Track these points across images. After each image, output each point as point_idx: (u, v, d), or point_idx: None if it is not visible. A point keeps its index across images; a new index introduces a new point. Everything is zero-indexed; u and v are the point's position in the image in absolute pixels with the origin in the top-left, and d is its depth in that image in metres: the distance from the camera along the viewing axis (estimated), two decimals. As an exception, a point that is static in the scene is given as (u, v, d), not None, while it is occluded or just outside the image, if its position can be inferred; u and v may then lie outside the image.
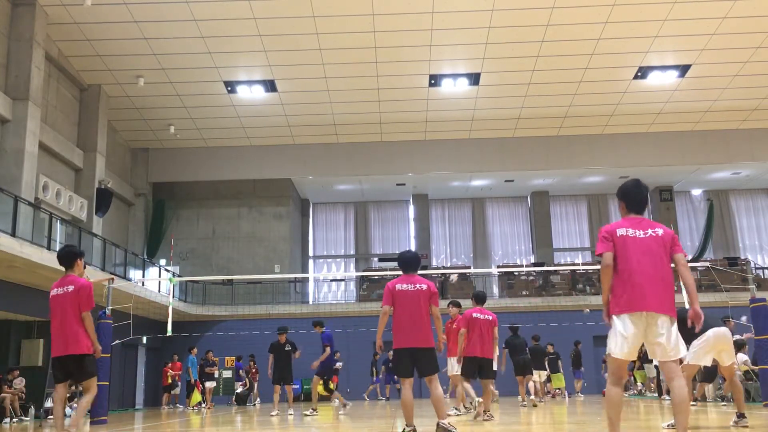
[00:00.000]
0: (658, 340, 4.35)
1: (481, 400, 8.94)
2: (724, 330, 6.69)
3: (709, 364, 6.77)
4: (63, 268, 6.70)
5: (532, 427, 7.78)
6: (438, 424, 6.24)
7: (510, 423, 8.39)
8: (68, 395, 13.92)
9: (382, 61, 19.38)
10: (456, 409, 10.42)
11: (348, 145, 24.63)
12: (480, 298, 9.58)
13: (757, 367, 11.51)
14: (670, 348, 4.37)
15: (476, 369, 9.23)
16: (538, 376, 15.94)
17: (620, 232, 4.56)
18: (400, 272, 6.69)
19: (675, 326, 4.40)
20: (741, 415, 6.65)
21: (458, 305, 11.10)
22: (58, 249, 6.75)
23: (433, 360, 6.43)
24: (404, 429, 6.24)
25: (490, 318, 9.31)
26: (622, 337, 4.38)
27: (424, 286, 6.46)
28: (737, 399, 6.86)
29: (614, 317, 4.44)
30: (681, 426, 4.30)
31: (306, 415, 11.82)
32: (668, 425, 6.51)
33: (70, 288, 6.32)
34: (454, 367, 10.61)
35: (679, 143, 24.54)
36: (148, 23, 17.39)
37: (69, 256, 6.52)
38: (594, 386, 21.89)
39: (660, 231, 4.58)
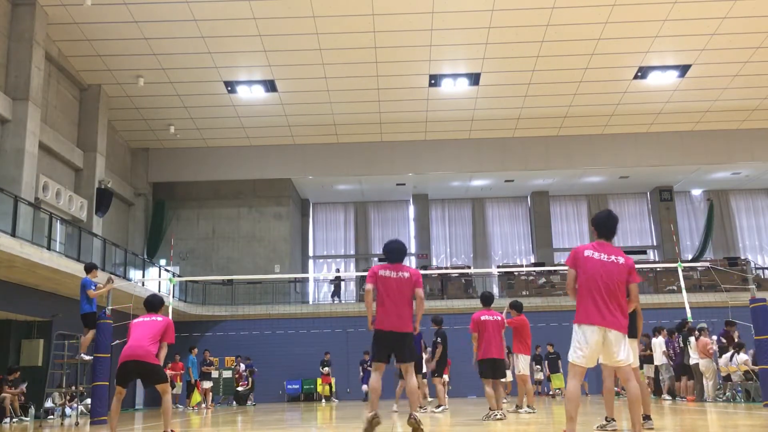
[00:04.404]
0: (611, 350, 5.09)
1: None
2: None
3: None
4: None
5: (532, 427, 7.79)
6: (410, 416, 6.19)
7: (510, 423, 8.40)
8: (69, 396, 13.94)
9: (382, 61, 19.38)
10: (529, 407, 10.49)
11: (348, 145, 24.63)
12: (487, 300, 9.64)
13: (757, 367, 11.52)
14: (622, 358, 5.11)
15: (492, 370, 9.38)
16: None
17: (587, 253, 5.29)
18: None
19: (626, 340, 5.15)
20: (647, 417, 6.78)
21: (517, 306, 10.71)
22: (146, 295, 7.78)
23: (410, 347, 6.40)
24: (368, 415, 6.15)
25: (498, 319, 9.48)
26: (581, 345, 5.11)
27: (407, 274, 6.47)
28: (644, 400, 6.95)
29: (575, 326, 5.19)
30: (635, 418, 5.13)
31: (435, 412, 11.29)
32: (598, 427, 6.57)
33: (159, 318, 7.14)
34: (520, 366, 10.69)
35: (679, 143, 24.54)
36: (148, 23, 17.39)
37: (159, 304, 7.40)
38: (595, 386, 21.88)
39: (621, 260, 5.28)
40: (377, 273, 6.46)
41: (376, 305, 6.44)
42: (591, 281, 5.16)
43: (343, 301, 25.20)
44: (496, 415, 8.99)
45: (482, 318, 9.36)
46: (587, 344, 5.07)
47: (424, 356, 13.10)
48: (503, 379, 15.23)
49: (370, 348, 6.62)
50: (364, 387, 20.28)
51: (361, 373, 20.83)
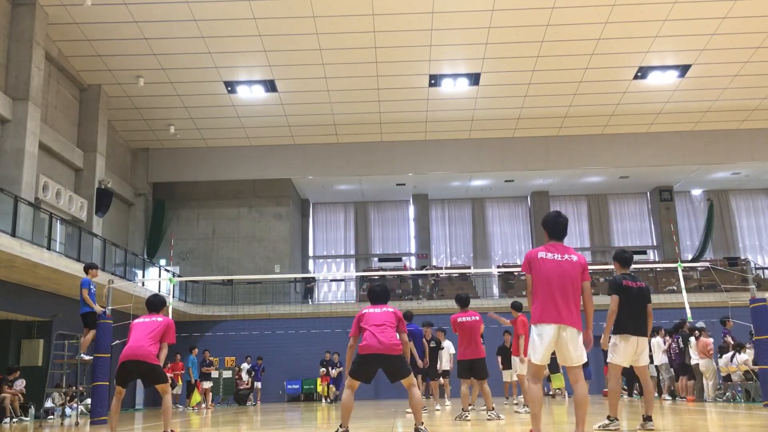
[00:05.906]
0: (567, 347, 5.17)
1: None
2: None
3: (627, 365, 6.93)
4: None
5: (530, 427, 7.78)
6: (416, 429, 6.23)
7: (510, 423, 8.41)
8: (69, 396, 13.94)
9: (382, 61, 19.39)
10: (526, 406, 10.42)
11: (348, 145, 24.63)
12: (462, 302, 9.62)
13: (757, 367, 11.52)
14: (576, 356, 5.19)
15: (469, 370, 9.37)
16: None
17: (541, 255, 5.35)
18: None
19: (581, 338, 5.23)
20: (648, 418, 6.64)
21: (517, 306, 10.94)
22: (150, 297, 7.66)
23: (403, 365, 6.38)
24: (338, 429, 6.21)
25: (477, 318, 9.44)
26: (539, 344, 5.17)
27: (391, 310, 6.56)
28: (648, 400, 6.83)
29: (533, 326, 5.24)
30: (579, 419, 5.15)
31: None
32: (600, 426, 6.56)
33: (159, 319, 7.17)
34: (518, 366, 10.74)
35: (679, 143, 24.55)
36: (148, 23, 17.39)
37: (160, 305, 7.45)
38: (594, 387, 21.88)
39: (575, 257, 5.36)
40: (361, 314, 6.53)
41: (362, 335, 6.43)
42: (547, 281, 5.21)
43: (343, 301, 25.23)
44: (467, 416, 9.01)
45: (459, 320, 9.37)
46: (542, 343, 5.14)
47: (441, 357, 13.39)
48: (507, 380, 15.29)
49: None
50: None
51: (323, 371, 21.12)
